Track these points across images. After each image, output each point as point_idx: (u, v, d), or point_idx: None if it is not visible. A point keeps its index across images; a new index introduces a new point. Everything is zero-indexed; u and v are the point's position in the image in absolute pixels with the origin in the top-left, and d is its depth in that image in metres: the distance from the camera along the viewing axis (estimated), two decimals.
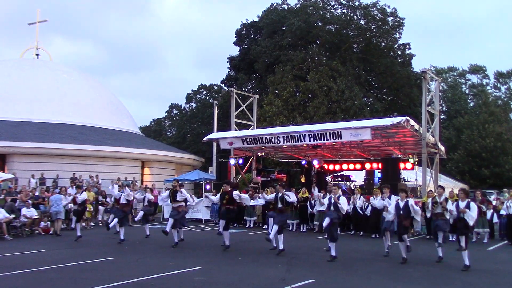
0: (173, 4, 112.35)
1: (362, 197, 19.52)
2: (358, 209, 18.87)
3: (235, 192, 14.42)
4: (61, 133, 31.31)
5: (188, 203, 15.56)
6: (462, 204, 11.34)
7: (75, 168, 28.28)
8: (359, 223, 18.88)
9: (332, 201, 12.64)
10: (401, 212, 12.11)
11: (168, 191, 15.50)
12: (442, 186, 14.67)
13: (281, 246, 13.16)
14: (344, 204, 12.56)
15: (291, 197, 13.72)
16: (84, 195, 17.62)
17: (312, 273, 10.37)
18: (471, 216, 11.11)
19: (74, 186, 23.77)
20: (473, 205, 11.39)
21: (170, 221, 14.63)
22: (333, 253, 12.04)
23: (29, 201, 18.82)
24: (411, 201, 12.28)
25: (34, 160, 28.18)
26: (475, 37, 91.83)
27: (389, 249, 12.77)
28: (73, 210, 17.94)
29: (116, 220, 15.48)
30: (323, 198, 14.95)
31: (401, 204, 12.22)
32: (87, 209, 21.04)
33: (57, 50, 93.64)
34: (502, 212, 17.51)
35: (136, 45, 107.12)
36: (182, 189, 15.10)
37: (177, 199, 14.88)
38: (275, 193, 14.16)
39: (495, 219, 17.88)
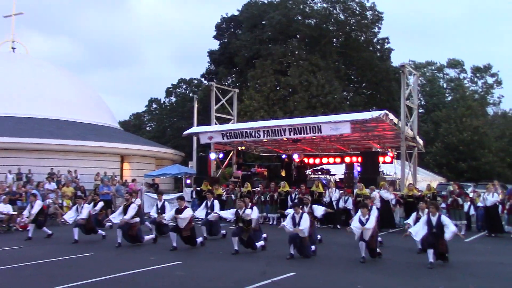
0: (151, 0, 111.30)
1: (337, 190, 19.68)
2: (334, 203, 19.02)
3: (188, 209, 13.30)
4: (38, 127, 30.83)
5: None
6: (434, 219, 10.73)
7: (53, 163, 27.85)
8: (335, 217, 18.94)
9: (297, 220, 11.69)
10: (434, 230, 10.73)
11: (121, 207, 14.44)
12: (436, 204, 12.29)
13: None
14: (303, 225, 11.55)
15: (252, 214, 12.62)
16: (37, 207, 15.98)
17: (292, 266, 10.41)
18: (451, 232, 10.54)
19: (52, 182, 23.51)
20: (444, 218, 10.80)
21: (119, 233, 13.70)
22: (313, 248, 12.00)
23: (5, 197, 18.54)
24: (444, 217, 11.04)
25: (11, 155, 27.68)
26: (451, 33, 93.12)
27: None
28: (36, 222, 15.94)
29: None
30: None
31: (434, 220, 10.83)
32: (64, 205, 20.86)
33: (33, 45, 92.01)
34: (479, 204, 17.84)
35: (114, 41, 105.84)
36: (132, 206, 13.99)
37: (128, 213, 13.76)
38: (234, 211, 13.15)
39: (472, 211, 18.18)
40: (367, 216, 11.21)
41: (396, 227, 18.09)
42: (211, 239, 14.68)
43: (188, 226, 12.95)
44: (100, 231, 15.28)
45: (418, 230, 11.10)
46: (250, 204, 13.15)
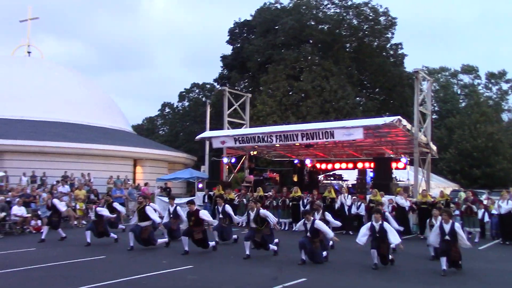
0: (163, 3, 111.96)
1: (350, 196, 19.61)
2: (346, 208, 18.96)
3: (202, 212, 13.36)
4: (52, 131, 31.14)
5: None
6: (447, 227, 10.68)
7: (66, 166, 28.14)
8: (347, 223, 18.88)
9: (309, 227, 11.66)
10: (447, 238, 10.65)
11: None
12: (448, 211, 12.27)
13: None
14: (324, 227, 11.79)
15: (271, 218, 12.84)
16: (59, 204, 16.26)
17: (304, 272, 10.38)
18: (464, 243, 10.74)
19: (66, 185, 23.70)
20: (458, 227, 10.76)
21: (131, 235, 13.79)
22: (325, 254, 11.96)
23: (19, 199, 18.72)
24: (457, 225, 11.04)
25: (25, 158, 28.02)
26: (464, 38, 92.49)
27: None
28: (48, 219, 16.15)
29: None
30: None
31: (447, 228, 10.72)
32: (77, 208, 21.00)
33: (48, 49, 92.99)
34: (494, 211, 17.65)
35: (126, 45, 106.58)
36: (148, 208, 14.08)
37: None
38: (246, 213, 13.22)
39: (486, 219, 17.98)
40: (380, 222, 11.14)
41: (411, 234, 17.94)
42: (223, 243, 14.67)
43: (199, 228, 12.97)
44: (112, 234, 15.30)
45: (433, 238, 11.10)
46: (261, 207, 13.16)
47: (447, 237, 10.61)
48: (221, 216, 15.08)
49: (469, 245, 10.92)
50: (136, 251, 13.35)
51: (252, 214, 12.75)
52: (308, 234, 11.58)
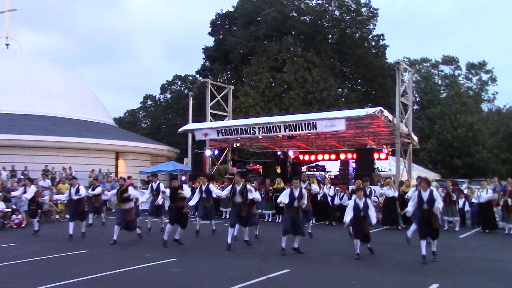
0: None
1: (332, 187, 19.76)
2: (329, 199, 19.10)
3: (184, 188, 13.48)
4: (32, 124, 30.75)
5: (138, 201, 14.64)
6: (425, 194, 10.84)
7: (47, 160, 27.84)
8: (330, 214, 19.03)
9: (297, 194, 11.59)
10: (425, 206, 10.87)
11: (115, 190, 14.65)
12: (426, 178, 14.01)
13: (246, 238, 13.00)
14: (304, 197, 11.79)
15: (255, 194, 13.01)
16: (31, 191, 15.67)
17: (287, 263, 10.44)
18: (439, 206, 10.87)
19: (47, 179, 23.45)
20: (436, 194, 10.93)
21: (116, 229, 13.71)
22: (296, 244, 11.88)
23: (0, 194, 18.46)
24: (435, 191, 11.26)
25: (5, 152, 27.61)
26: (445, 30, 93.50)
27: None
28: (28, 210, 16.26)
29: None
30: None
31: (425, 195, 10.90)
32: (59, 202, 20.72)
33: (26, 41, 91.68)
34: (474, 200, 17.91)
35: (106, 37, 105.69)
36: (130, 187, 14.13)
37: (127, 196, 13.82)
38: (230, 186, 13.25)
39: (467, 207, 18.27)
40: (363, 200, 11.32)
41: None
42: (206, 234, 14.70)
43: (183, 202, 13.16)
44: (90, 220, 15.58)
45: (411, 206, 11.20)
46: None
47: (425, 206, 10.80)
48: (204, 195, 14.73)
49: (441, 206, 11.15)
50: (119, 245, 13.28)
51: (239, 187, 12.74)
52: (296, 203, 11.48)
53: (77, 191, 14.92)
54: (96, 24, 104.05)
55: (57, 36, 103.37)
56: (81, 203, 15.08)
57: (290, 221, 11.54)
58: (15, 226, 17.93)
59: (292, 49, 40.76)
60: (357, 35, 43.90)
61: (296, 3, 41.98)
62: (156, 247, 12.82)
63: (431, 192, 10.87)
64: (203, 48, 49.02)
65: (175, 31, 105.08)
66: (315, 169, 27.84)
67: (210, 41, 49.85)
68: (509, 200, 16.37)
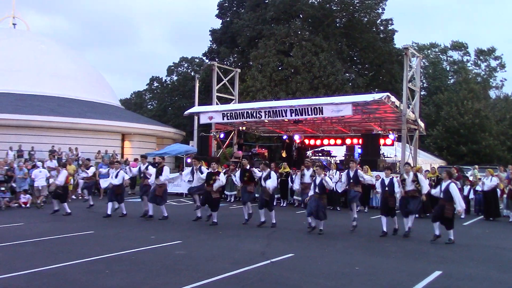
0: None
1: (338, 172, 19.72)
2: (334, 184, 19.07)
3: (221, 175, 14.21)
4: (39, 104, 30.84)
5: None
6: (444, 184, 11.47)
7: (54, 141, 27.96)
8: (334, 199, 19.04)
9: (317, 182, 12.49)
10: (386, 189, 12.56)
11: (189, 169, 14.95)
12: (409, 163, 14.76)
13: (262, 219, 13.68)
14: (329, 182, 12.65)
15: (258, 174, 13.79)
16: (63, 175, 15.75)
17: (291, 247, 10.50)
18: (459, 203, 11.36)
19: (54, 160, 23.55)
20: (454, 188, 11.36)
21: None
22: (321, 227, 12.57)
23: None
24: (395, 179, 12.65)
25: (11, 132, 27.77)
26: (454, 15, 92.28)
27: (355, 221, 13.07)
28: (53, 194, 16.03)
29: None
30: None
31: (387, 181, 12.67)
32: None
33: (31, 23, 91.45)
34: (478, 188, 17.89)
35: (112, 20, 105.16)
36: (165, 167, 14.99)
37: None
38: (239, 170, 14.55)
39: (472, 195, 18.25)
40: (355, 169, 13.14)
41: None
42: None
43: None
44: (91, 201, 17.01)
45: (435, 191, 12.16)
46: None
47: (442, 195, 11.45)
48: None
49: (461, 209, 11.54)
50: (124, 226, 13.41)
51: (265, 173, 13.59)
52: (317, 190, 12.37)
53: (117, 175, 15.38)
54: (101, 6, 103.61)
55: (61, 19, 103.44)
56: (120, 185, 15.42)
57: (314, 208, 12.39)
58: (22, 206, 18.09)
59: (299, 32, 40.42)
60: (365, 19, 43.38)
61: None
62: (161, 229, 12.92)
63: (449, 184, 11.38)
64: (210, 31, 48.77)
65: (182, 13, 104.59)
66: (320, 154, 27.83)
67: (217, 24, 49.63)
68: None
